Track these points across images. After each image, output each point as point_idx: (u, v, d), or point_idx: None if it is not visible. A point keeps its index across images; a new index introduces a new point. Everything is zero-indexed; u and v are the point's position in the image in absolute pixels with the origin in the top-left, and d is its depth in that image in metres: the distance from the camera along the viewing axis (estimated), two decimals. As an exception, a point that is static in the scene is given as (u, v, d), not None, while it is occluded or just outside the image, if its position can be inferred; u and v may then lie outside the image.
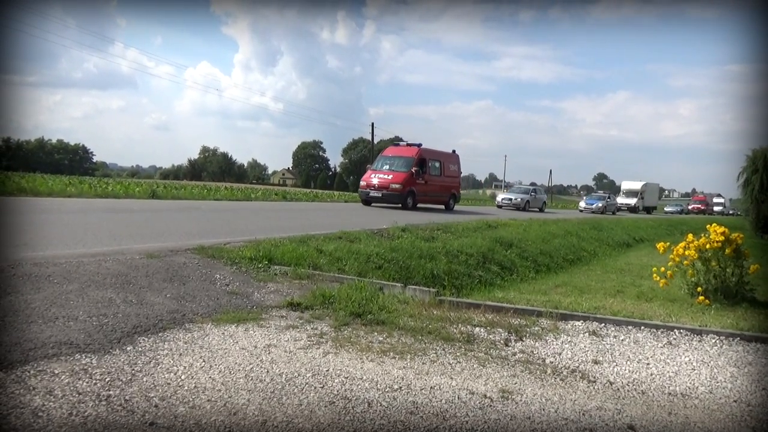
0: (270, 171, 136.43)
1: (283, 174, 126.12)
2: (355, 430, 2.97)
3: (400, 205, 20.53)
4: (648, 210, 51.01)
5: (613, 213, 39.25)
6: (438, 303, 5.86)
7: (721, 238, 7.28)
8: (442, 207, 23.61)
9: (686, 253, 7.42)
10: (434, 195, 23.06)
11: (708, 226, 7.69)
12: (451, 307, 5.69)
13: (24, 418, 2.76)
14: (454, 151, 25.57)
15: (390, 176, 21.15)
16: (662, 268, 7.74)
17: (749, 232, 21.32)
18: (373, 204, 21.32)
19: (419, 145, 22.75)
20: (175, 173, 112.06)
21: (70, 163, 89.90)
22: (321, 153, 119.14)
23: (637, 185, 51.56)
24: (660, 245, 8.04)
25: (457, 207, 25.95)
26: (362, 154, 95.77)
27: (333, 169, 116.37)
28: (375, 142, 64.70)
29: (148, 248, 6.82)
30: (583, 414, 3.37)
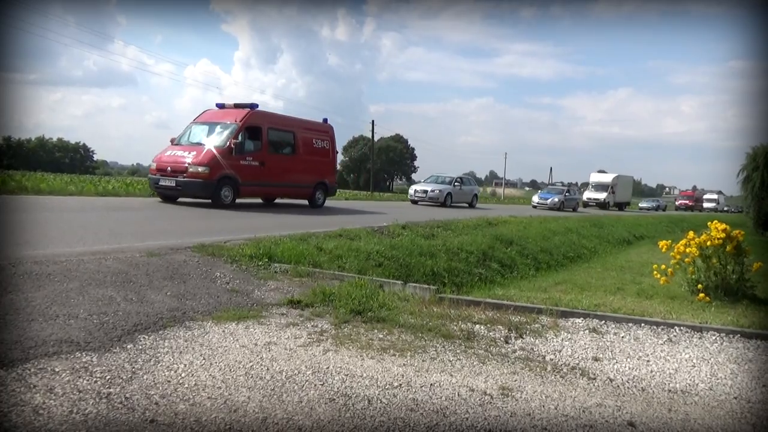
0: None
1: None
2: (355, 427, 2.97)
3: (211, 201, 13.72)
4: (620, 206, 44.70)
5: (574, 209, 33.43)
6: (438, 300, 5.87)
7: (722, 235, 7.27)
8: (305, 202, 16.91)
9: (687, 250, 7.41)
10: (282, 184, 15.72)
11: (709, 223, 7.69)
12: (451, 305, 5.69)
13: (25, 416, 2.77)
14: (325, 120, 17.79)
15: (192, 153, 13.73)
16: (663, 266, 7.74)
17: (750, 229, 21.32)
18: (179, 199, 14.27)
19: (252, 107, 14.98)
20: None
21: (71, 161, 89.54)
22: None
23: (607, 178, 45.03)
24: (662, 243, 8.04)
25: (336, 203, 19.98)
26: (362, 151, 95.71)
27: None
28: (375, 139, 64.73)
29: (148, 246, 6.83)
30: (583, 411, 3.38)
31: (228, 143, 13.93)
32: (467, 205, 26.28)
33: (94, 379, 3.26)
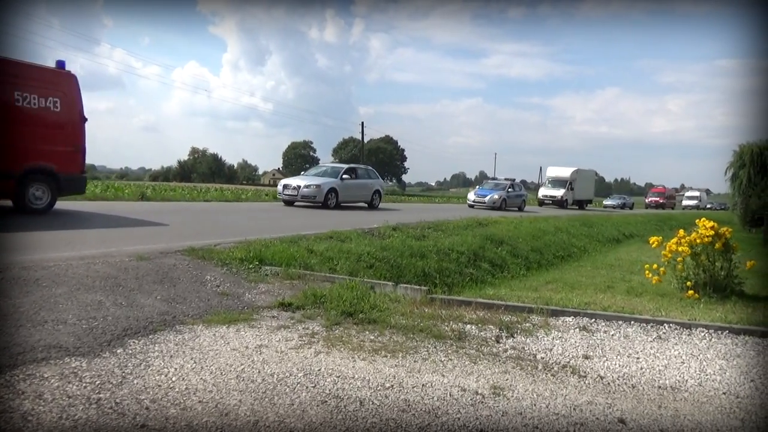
0: (260, 171, 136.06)
1: (274, 174, 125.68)
2: (347, 429, 2.97)
3: None
4: (581, 204, 38.57)
5: (519, 209, 27.92)
6: (429, 301, 5.88)
7: (711, 232, 7.33)
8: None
9: (680, 249, 7.45)
10: None
11: (697, 220, 7.75)
12: (442, 305, 5.70)
13: (13, 423, 2.74)
14: (60, 66, 10.58)
15: None
16: (654, 265, 7.76)
17: (737, 227, 21.53)
18: None
19: None
20: (164, 175, 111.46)
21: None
22: (311, 153, 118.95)
23: (565, 172, 38.03)
24: (653, 239, 8.07)
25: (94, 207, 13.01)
26: (353, 153, 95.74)
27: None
28: (365, 141, 64.78)
29: (137, 250, 6.78)
30: (574, 409, 3.39)
31: None
32: (366, 204, 20.10)
33: (84, 385, 3.24)
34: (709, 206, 63.07)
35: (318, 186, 17.83)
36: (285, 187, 18.53)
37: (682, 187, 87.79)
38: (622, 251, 16.25)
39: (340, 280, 6.37)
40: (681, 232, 7.62)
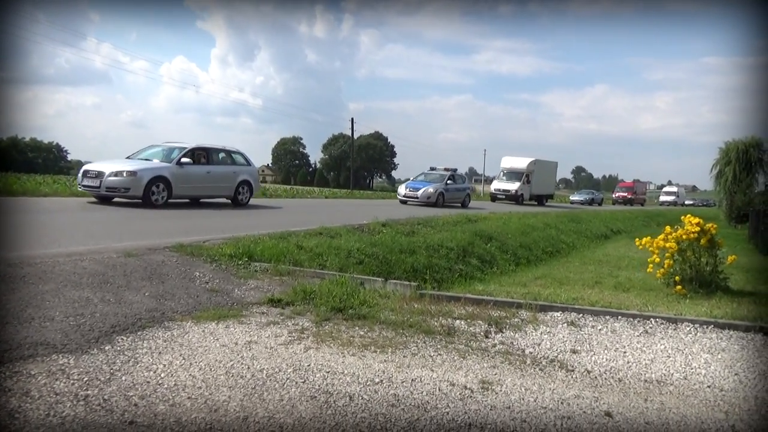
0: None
1: (263, 170, 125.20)
2: (336, 424, 2.98)
3: None
4: (539, 199, 34.47)
5: (463, 204, 24.02)
6: (419, 297, 5.90)
7: (697, 228, 7.41)
8: None
9: (666, 245, 7.51)
10: None
11: (683, 217, 7.82)
12: (431, 301, 5.72)
13: (0, 420, 2.72)
14: None
15: None
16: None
17: (723, 223, 21.81)
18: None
19: None
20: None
21: (44, 162, 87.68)
22: (301, 149, 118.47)
23: (522, 163, 33.64)
24: (645, 239, 8.07)
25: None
26: (342, 149, 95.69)
27: (313, 165, 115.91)
28: (355, 137, 64.75)
29: (125, 247, 6.74)
30: (562, 402, 3.43)
31: None
32: (228, 200, 14.90)
33: (72, 382, 3.22)
34: (690, 203, 62.46)
35: (133, 173, 12.20)
36: (85, 174, 12.62)
37: (669, 183, 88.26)
38: (610, 247, 16.36)
39: (329, 276, 6.37)
40: (668, 228, 7.69)
